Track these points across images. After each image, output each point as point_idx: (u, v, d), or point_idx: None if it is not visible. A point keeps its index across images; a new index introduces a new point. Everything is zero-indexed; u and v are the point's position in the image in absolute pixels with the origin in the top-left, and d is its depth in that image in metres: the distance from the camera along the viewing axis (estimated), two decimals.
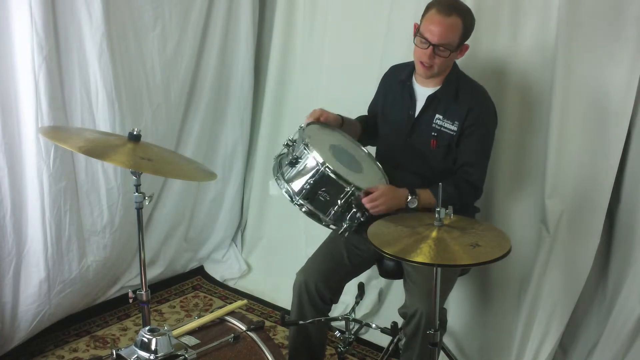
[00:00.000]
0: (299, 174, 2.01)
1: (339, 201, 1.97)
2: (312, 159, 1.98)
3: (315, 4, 3.14)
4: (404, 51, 2.54)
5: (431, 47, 2.06)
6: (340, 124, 2.25)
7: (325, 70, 3.12)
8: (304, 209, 2.00)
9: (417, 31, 2.11)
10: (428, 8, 2.11)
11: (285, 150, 2.09)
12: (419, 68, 2.16)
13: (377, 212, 1.98)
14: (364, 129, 2.40)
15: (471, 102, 2.16)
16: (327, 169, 1.96)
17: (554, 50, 2.28)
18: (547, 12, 2.33)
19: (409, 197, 2.05)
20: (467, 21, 2.09)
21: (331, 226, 2.03)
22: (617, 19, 2.17)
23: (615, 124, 2.23)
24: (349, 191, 1.96)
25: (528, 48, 2.42)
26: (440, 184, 1.70)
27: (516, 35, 2.44)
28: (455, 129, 2.16)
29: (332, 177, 1.96)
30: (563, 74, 2.27)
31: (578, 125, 2.29)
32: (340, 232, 2.01)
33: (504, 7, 2.45)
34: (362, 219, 2.00)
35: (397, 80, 2.31)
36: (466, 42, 2.14)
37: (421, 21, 2.12)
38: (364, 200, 1.98)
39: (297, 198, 1.99)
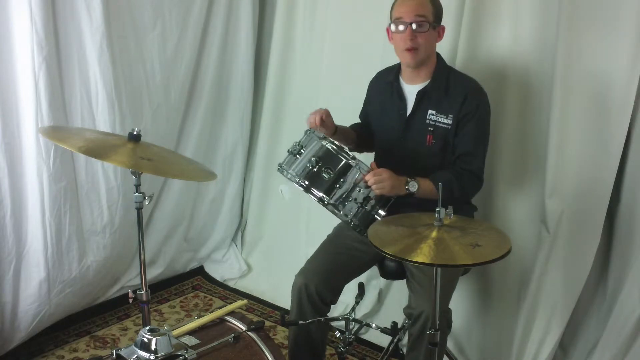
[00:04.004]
0: (304, 158, 2.02)
1: (342, 178, 1.97)
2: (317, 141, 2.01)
3: (315, 4, 3.14)
4: None
5: (409, 26, 2.08)
6: (334, 131, 2.24)
7: (325, 70, 3.12)
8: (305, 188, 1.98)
9: (391, 24, 2.14)
10: (393, 3, 2.17)
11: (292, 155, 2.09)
12: (405, 57, 2.15)
13: (380, 188, 1.98)
14: (359, 136, 2.40)
15: (464, 93, 2.15)
16: (330, 143, 1.98)
17: (553, 50, 2.28)
18: (547, 12, 2.33)
19: (409, 180, 2.05)
20: (434, 1, 2.15)
21: (335, 209, 2.02)
22: (616, 17, 2.17)
23: (615, 124, 2.22)
24: (352, 165, 1.98)
25: (528, 48, 2.42)
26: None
27: (516, 35, 2.44)
28: (450, 122, 2.15)
29: (334, 151, 1.99)
30: (563, 74, 2.27)
31: (578, 125, 2.29)
32: (345, 216, 1.99)
33: (503, 6, 2.45)
34: (366, 206, 1.99)
35: (385, 82, 2.31)
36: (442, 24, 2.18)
37: (391, 16, 2.16)
38: (368, 177, 1.98)
39: (301, 179, 1.99)
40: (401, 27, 2.10)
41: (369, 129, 2.41)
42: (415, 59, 2.14)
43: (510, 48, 2.46)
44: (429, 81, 2.19)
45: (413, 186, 2.05)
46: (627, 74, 2.17)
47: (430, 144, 2.18)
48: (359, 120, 2.49)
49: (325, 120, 2.16)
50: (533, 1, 2.38)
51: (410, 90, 2.23)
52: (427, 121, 2.18)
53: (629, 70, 2.16)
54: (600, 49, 2.22)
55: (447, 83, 2.18)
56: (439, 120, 2.16)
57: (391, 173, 2.02)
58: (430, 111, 2.18)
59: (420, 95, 2.19)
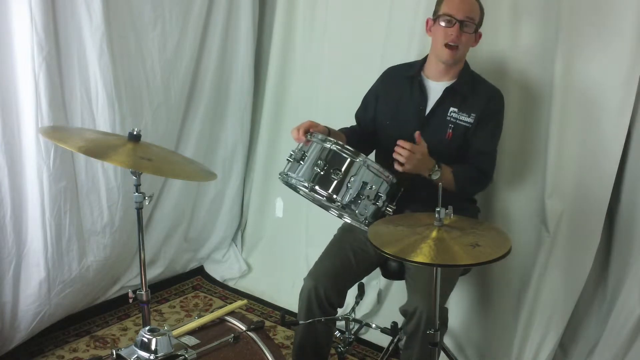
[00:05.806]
0: (309, 163, 2.00)
1: (352, 177, 1.95)
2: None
3: (315, 4, 3.14)
4: (404, 51, 2.55)
5: (458, 23, 2.10)
6: (327, 135, 2.18)
7: (325, 70, 3.12)
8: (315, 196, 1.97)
9: (437, 16, 2.16)
10: None
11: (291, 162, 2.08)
12: (443, 52, 2.15)
13: (406, 160, 1.97)
14: (349, 140, 2.29)
15: (488, 95, 2.21)
16: (334, 144, 1.97)
17: (553, 50, 2.28)
18: (547, 12, 2.33)
19: (435, 169, 2.05)
20: (481, 6, 2.18)
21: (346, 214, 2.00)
22: (616, 18, 2.17)
23: (615, 125, 2.23)
24: (359, 162, 1.96)
25: (528, 48, 2.42)
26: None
27: (516, 35, 2.44)
28: (472, 121, 2.17)
29: (339, 151, 1.97)
30: (563, 74, 2.27)
31: (578, 125, 2.30)
32: (358, 216, 1.98)
33: (504, 7, 2.45)
34: (378, 203, 1.97)
35: (404, 77, 2.30)
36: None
37: (439, 7, 2.17)
38: (405, 143, 1.98)
39: (309, 183, 1.97)
40: (450, 23, 2.12)
41: (366, 128, 2.38)
42: (453, 57, 2.16)
43: (510, 49, 2.46)
44: (455, 80, 2.22)
45: (436, 175, 2.05)
46: (627, 75, 2.17)
47: (450, 140, 2.19)
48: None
49: (312, 131, 2.11)
50: (533, 3, 2.38)
51: (434, 86, 2.24)
52: (448, 118, 2.19)
53: (628, 71, 2.17)
54: (599, 49, 2.22)
55: (472, 84, 2.22)
56: (460, 118, 2.18)
57: (425, 152, 2.02)
58: (452, 109, 2.19)
59: (447, 91, 2.20)
